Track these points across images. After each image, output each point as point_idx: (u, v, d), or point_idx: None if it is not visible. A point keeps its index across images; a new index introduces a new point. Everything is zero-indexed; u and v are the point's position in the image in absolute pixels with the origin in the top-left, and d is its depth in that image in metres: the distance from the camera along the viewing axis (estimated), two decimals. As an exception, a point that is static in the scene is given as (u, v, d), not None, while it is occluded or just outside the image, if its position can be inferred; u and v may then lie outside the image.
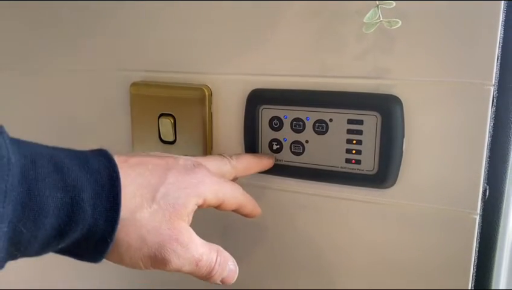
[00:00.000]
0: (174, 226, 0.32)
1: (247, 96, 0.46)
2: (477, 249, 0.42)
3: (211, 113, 0.48)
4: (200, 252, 0.33)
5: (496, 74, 0.38)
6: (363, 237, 0.45)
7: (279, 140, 0.45)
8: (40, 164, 0.28)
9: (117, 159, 0.32)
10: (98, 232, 0.30)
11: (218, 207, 0.37)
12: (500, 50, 0.38)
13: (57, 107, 0.58)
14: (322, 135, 0.43)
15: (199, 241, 0.34)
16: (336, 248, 0.47)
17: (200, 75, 0.48)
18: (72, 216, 0.28)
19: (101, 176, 0.30)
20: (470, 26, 0.37)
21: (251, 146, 0.47)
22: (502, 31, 0.37)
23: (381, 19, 0.35)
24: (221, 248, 0.35)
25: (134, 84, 0.51)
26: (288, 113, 0.44)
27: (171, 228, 0.32)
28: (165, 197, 0.33)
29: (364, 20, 0.35)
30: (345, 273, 0.47)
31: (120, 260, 0.32)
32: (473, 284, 0.42)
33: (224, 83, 0.47)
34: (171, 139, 0.49)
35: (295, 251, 0.49)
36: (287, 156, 0.45)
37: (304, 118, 0.44)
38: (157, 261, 0.32)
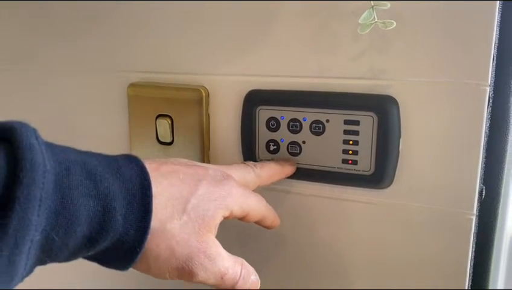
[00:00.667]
0: (203, 239, 0.32)
1: (244, 97, 0.46)
2: (473, 250, 0.42)
3: (208, 114, 0.48)
4: (226, 265, 0.33)
5: (492, 74, 0.38)
6: (360, 238, 0.45)
7: (276, 141, 0.45)
8: (74, 171, 0.28)
9: (148, 167, 0.31)
10: (128, 242, 0.29)
11: (241, 219, 0.37)
12: (495, 50, 0.38)
13: (54, 109, 0.58)
14: (318, 136, 0.43)
15: (225, 254, 0.34)
16: (331, 249, 0.47)
17: (197, 76, 0.48)
18: (103, 225, 0.28)
19: (133, 184, 0.30)
20: (465, 26, 0.37)
21: (248, 147, 0.47)
22: (498, 31, 0.37)
23: (376, 20, 0.35)
24: (245, 262, 0.35)
25: (131, 85, 0.51)
26: (285, 114, 0.44)
27: (199, 240, 0.32)
28: (195, 209, 0.33)
29: (360, 21, 0.35)
30: (341, 273, 0.47)
31: (147, 270, 0.32)
32: (469, 285, 0.42)
33: (221, 84, 0.47)
34: (168, 140, 0.49)
35: (291, 251, 0.49)
36: (284, 157, 0.45)
37: (300, 119, 0.44)
38: (184, 273, 0.32)
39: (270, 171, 0.42)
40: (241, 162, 0.42)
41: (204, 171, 0.35)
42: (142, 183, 0.30)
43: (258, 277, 0.36)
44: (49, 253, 0.27)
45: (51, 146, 0.28)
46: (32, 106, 0.59)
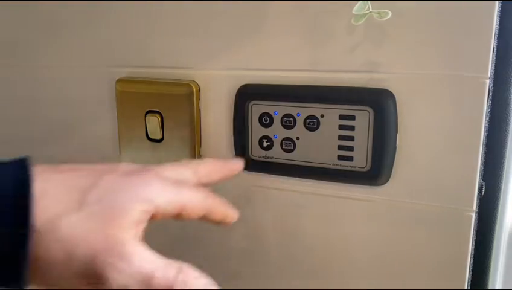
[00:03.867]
0: (111, 235, 0.27)
1: (236, 92, 0.45)
2: (473, 248, 0.41)
3: (199, 109, 0.47)
4: (151, 267, 0.27)
5: (492, 66, 0.37)
6: (356, 236, 0.44)
7: (269, 137, 0.44)
8: None
9: (44, 167, 0.27)
10: (5, 255, 0.25)
11: (179, 216, 0.31)
12: (496, 41, 0.37)
13: (40, 105, 0.57)
14: (313, 131, 0.42)
15: (149, 255, 0.28)
16: (328, 247, 0.46)
17: (188, 70, 0.47)
18: None
19: (4, 183, 0.25)
20: (464, 16, 0.36)
21: (240, 143, 0.46)
22: (498, 21, 0.36)
23: (370, 10, 0.34)
24: (186, 266, 0.28)
25: (119, 81, 0.50)
26: (278, 109, 0.43)
27: (107, 237, 0.26)
28: (100, 201, 0.27)
29: (353, 11, 0.34)
30: (337, 273, 0.46)
31: (46, 282, 0.27)
32: (469, 284, 0.42)
33: (213, 78, 0.46)
34: (158, 137, 0.48)
35: (286, 250, 0.48)
36: (277, 154, 0.44)
37: (294, 114, 0.43)
38: (92, 278, 0.26)
39: (208, 167, 0.36)
40: (176, 162, 0.36)
41: (115, 167, 0.31)
42: (17, 180, 0.26)
43: (211, 282, 0.29)
44: None
45: None
46: (17, 102, 0.58)
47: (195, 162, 0.38)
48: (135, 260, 0.27)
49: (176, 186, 0.31)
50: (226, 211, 0.34)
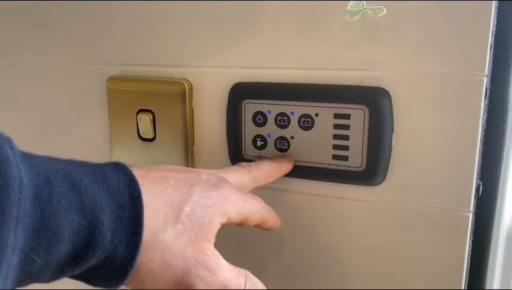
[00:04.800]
0: (200, 248, 0.30)
1: (229, 90, 0.44)
2: (470, 248, 0.41)
3: (192, 108, 0.46)
4: (227, 277, 0.31)
5: (489, 64, 0.36)
6: (351, 236, 0.44)
7: (263, 136, 0.44)
8: (55, 182, 0.25)
9: (137, 174, 0.29)
10: (118, 259, 0.27)
11: (240, 224, 0.35)
12: (493, 38, 0.36)
13: (30, 103, 0.56)
14: (307, 131, 0.42)
15: (226, 265, 0.31)
16: (322, 248, 0.45)
17: (180, 68, 0.46)
18: (89, 241, 0.26)
19: (121, 195, 0.27)
20: (461, 13, 0.35)
21: (234, 143, 0.45)
22: (496, 18, 0.36)
23: (365, 6, 0.33)
24: (249, 274, 0.33)
25: (111, 79, 0.49)
26: (272, 108, 0.43)
27: (196, 250, 0.30)
28: (190, 217, 0.30)
29: (348, 8, 0.34)
30: (331, 273, 0.46)
31: (141, 286, 0.29)
32: (466, 284, 0.41)
33: (205, 76, 0.45)
34: (150, 136, 0.47)
35: (280, 250, 0.47)
36: (271, 153, 0.44)
37: (288, 113, 0.42)
38: (181, 287, 0.29)
39: (266, 171, 0.40)
40: (237, 165, 0.40)
41: (197, 176, 0.33)
42: (131, 194, 0.28)
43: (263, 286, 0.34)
44: (29, 274, 0.25)
45: (28, 156, 0.25)
46: (9, 100, 0.58)
47: (254, 166, 0.39)
48: (218, 271, 0.30)
49: (244, 199, 0.34)
50: (276, 220, 0.39)
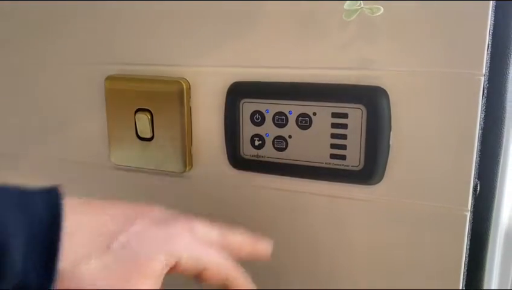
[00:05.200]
0: (131, 283, 0.27)
1: (227, 89, 0.44)
2: (468, 247, 0.40)
3: (190, 107, 0.46)
4: None
5: (487, 62, 0.36)
6: (348, 236, 0.44)
7: (261, 135, 0.43)
8: None
9: (73, 202, 0.27)
10: (30, 286, 0.25)
11: (198, 277, 0.31)
12: (490, 37, 0.36)
13: (27, 104, 0.56)
14: (305, 130, 0.42)
15: None
16: (320, 247, 0.45)
17: (178, 67, 0.46)
18: None
19: (39, 219, 0.25)
20: (458, 11, 0.35)
21: (232, 142, 0.45)
22: (493, 17, 0.35)
23: (362, 6, 0.33)
24: None
25: (109, 78, 0.49)
26: (270, 107, 0.42)
27: (126, 284, 0.27)
28: (125, 249, 0.27)
29: (345, 7, 0.33)
30: (329, 272, 0.45)
31: None
32: (464, 284, 0.41)
33: (203, 75, 0.45)
34: (148, 135, 0.47)
35: (278, 250, 0.47)
36: (269, 152, 0.44)
37: (286, 112, 0.42)
38: None
39: (240, 240, 0.35)
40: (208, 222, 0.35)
41: (147, 211, 0.30)
42: (50, 218, 0.26)
43: None
44: None
45: None
46: (8, 99, 0.57)
47: (229, 230, 0.35)
48: None
49: (201, 246, 0.31)
50: (246, 283, 0.33)
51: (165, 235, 0.29)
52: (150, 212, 0.31)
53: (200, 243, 0.31)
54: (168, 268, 0.29)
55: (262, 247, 0.36)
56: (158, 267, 0.28)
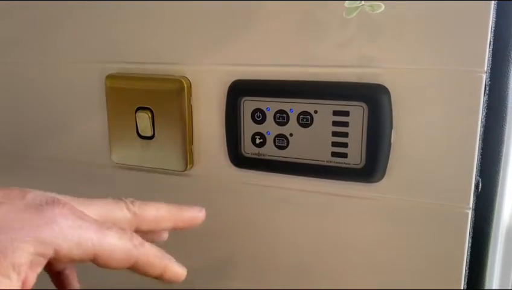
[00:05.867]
0: None
1: (228, 87, 0.44)
2: (469, 246, 0.40)
3: (191, 106, 0.46)
4: None
5: (489, 60, 0.36)
6: (350, 234, 0.43)
7: (262, 134, 0.43)
8: None
9: None
10: None
11: (95, 262, 0.26)
12: (492, 34, 0.36)
13: (28, 102, 0.56)
14: (306, 128, 0.42)
15: None
16: (321, 245, 0.45)
17: (179, 66, 0.46)
18: None
19: None
20: (460, 8, 0.35)
21: (233, 140, 0.45)
22: (495, 14, 0.35)
23: (363, 3, 0.33)
24: None
25: (109, 77, 0.49)
26: (271, 105, 0.42)
27: None
28: None
29: (346, 4, 0.33)
30: (330, 270, 0.45)
31: None
32: (465, 283, 0.41)
33: (204, 74, 0.45)
34: (149, 134, 0.47)
35: (279, 249, 0.47)
36: (270, 150, 0.44)
37: (287, 110, 0.42)
38: None
39: (154, 212, 0.31)
40: (112, 198, 0.31)
41: (17, 196, 0.26)
42: None
43: None
44: None
45: None
46: (8, 98, 0.57)
47: (139, 203, 0.31)
48: None
49: (91, 227, 0.26)
50: (169, 266, 0.29)
51: (34, 222, 0.24)
52: (24, 196, 0.26)
53: (85, 225, 0.26)
54: (45, 260, 0.25)
55: (189, 215, 0.32)
56: (23, 259, 0.23)
